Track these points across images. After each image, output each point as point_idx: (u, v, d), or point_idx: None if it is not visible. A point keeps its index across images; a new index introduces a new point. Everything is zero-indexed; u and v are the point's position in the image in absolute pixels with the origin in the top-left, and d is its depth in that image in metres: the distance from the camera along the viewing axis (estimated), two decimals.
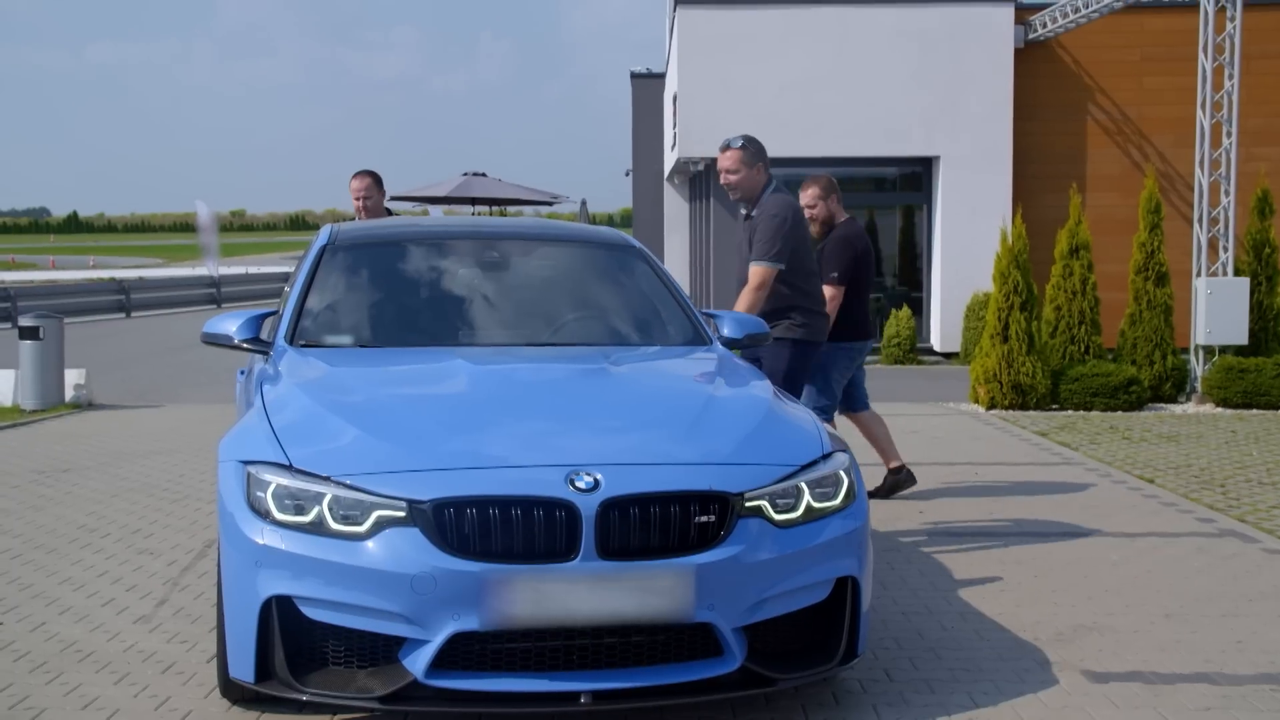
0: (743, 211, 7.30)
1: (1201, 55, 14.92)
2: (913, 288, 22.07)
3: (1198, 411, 13.85)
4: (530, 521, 4.21)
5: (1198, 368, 14.61)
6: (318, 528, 4.27)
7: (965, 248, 20.32)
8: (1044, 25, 20.31)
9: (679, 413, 4.84)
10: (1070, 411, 13.83)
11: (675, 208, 26.68)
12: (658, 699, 4.35)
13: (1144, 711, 4.69)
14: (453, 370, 5.22)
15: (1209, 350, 14.59)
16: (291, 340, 5.69)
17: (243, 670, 4.37)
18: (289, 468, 4.39)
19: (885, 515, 8.08)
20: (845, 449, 4.86)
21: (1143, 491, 9.07)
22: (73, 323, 28.06)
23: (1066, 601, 6.18)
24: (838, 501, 4.64)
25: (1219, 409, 14.03)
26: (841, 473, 4.70)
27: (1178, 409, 14.04)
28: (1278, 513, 8.32)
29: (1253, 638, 5.60)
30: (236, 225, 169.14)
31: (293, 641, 4.32)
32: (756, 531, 4.40)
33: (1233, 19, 14.77)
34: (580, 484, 4.26)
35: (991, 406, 14.04)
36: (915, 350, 20.32)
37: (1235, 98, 14.79)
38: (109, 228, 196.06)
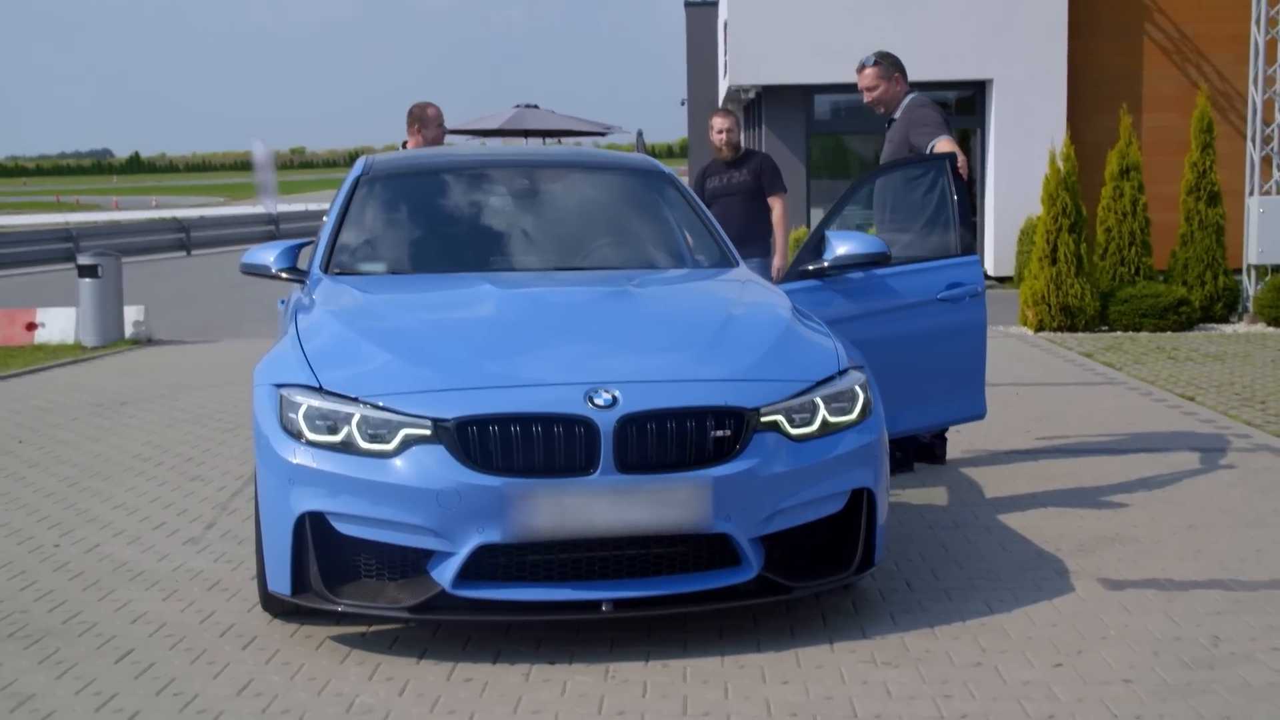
0: (886, 125, 7.58)
1: None
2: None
3: (1248, 331, 13.79)
4: (550, 437, 4.36)
5: (1249, 287, 14.52)
6: (348, 447, 4.45)
7: (1019, 171, 20.12)
8: None
9: (697, 332, 4.96)
10: (1119, 333, 13.81)
11: None
12: (676, 607, 4.51)
13: (1154, 616, 4.80)
14: (480, 295, 5.36)
15: (1261, 270, 14.49)
16: (326, 269, 5.85)
17: (280, 584, 4.57)
18: (320, 390, 4.57)
19: None
20: (862, 366, 4.96)
21: (1182, 409, 9.10)
22: (134, 261, 28.58)
23: (1092, 515, 6.28)
24: (853, 416, 4.75)
25: (1270, 328, 13.95)
26: (857, 388, 4.81)
27: (1228, 329, 13.98)
28: None
29: (1272, 546, 5.68)
30: (297, 163, 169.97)
31: (326, 555, 4.51)
32: (773, 445, 4.53)
33: None
34: (599, 401, 4.40)
35: (1040, 329, 14.04)
36: None
37: None
38: (171, 168, 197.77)
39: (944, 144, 7.02)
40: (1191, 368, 11.09)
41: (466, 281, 5.64)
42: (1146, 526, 6.05)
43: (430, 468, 4.36)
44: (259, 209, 45.17)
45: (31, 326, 15.31)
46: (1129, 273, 14.34)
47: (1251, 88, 14.79)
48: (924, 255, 6.81)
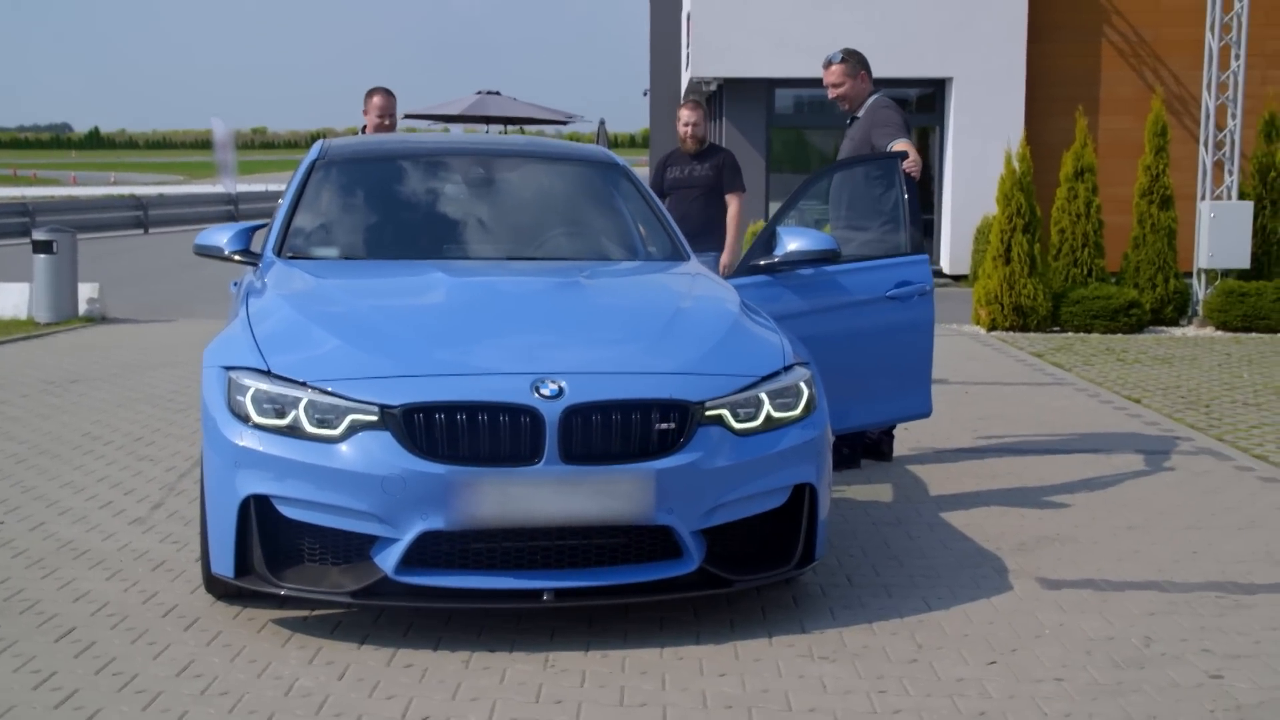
0: (847, 122, 7.67)
1: None
2: (924, 210, 22.09)
3: (1197, 335, 13.96)
4: (496, 426, 4.39)
5: (1199, 291, 14.68)
6: (294, 430, 4.46)
7: (977, 170, 20.26)
8: None
9: (646, 325, 5.00)
10: (1070, 334, 13.94)
11: None
12: (617, 597, 4.56)
13: (1089, 615, 4.87)
14: (431, 283, 5.38)
15: (1211, 274, 14.65)
16: (279, 252, 5.86)
17: (223, 566, 4.58)
18: (268, 373, 4.58)
19: None
20: (808, 363, 5.01)
21: (1128, 411, 9.21)
22: (91, 238, 28.38)
23: (1034, 514, 6.36)
24: (798, 412, 4.80)
25: (1218, 332, 14.13)
26: (802, 384, 4.86)
27: (1178, 332, 14.14)
28: (1257, 432, 8.47)
29: (1208, 548, 5.77)
30: (258, 143, 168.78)
31: (270, 539, 4.52)
32: (716, 439, 4.57)
33: None
34: (545, 391, 4.43)
35: (993, 328, 14.16)
36: None
37: (1245, 20, 14.74)
38: (130, 144, 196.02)
39: (899, 145, 7.09)
40: (1140, 370, 11.23)
41: (418, 269, 5.65)
42: (1086, 527, 6.13)
43: (376, 454, 4.38)
44: (218, 188, 44.83)
45: None
46: (1081, 274, 14.48)
47: (1205, 93, 14.96)
48: (875, 253, 6.87)
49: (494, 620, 4.71)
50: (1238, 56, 14.78)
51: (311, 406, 4.47)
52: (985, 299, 14.28)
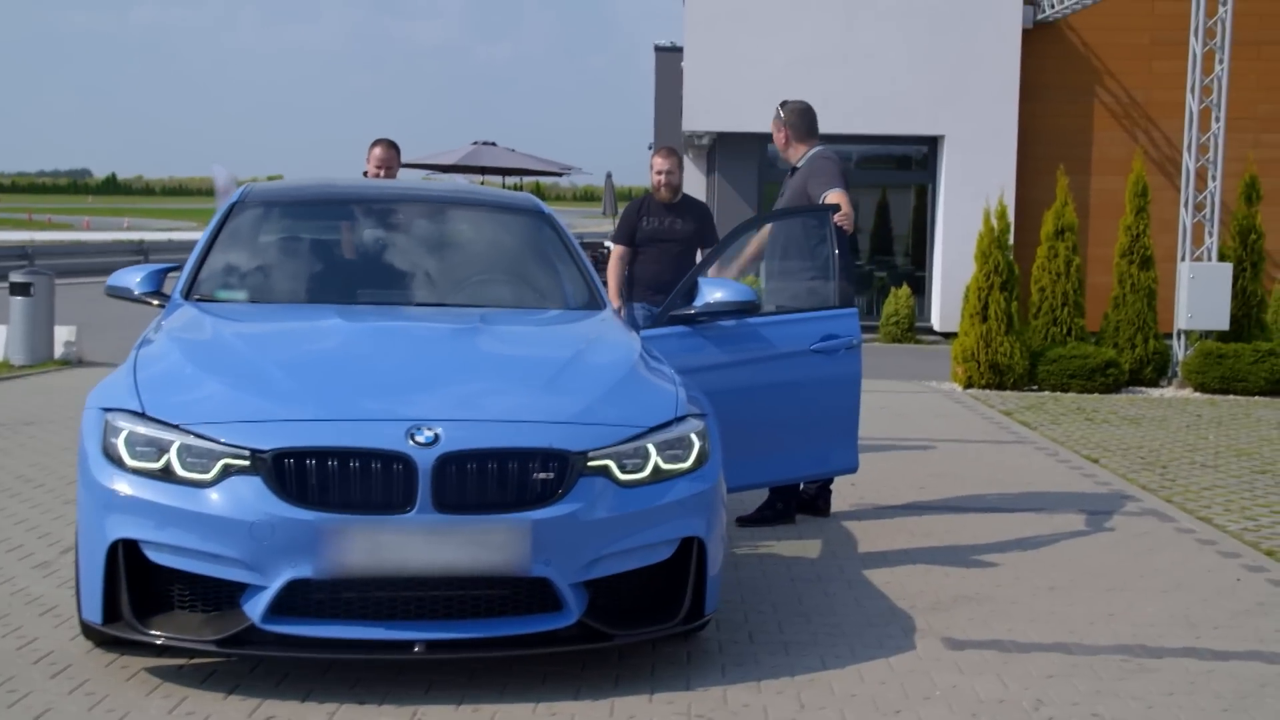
0: (789, 173, 7.70)
1: (1192, 39, 14.81)
2: (916, 267, 22.05)
3: (1174, 396, 13.83)
4: (368, 474, 4.30)
5: (1179, 352, 14.56)
6: (166, 474, 4.37)
7: (968, 228, 19.99)
8: (1052, 6, 20.18)
9: (535, 373, 4.91)
10: (1046, 393, 13.81)
11: (693, 180, 26.55)
12: (491, 650, 4.44)
13: (985, 677, 4.74)
14: (327, 328, 5.29)
15: (1191, 335, 14.53)
16: (187, 295, 5.80)
17: (92, 612, 4.48)
18: (143, 415, 4.49)
19: None
20: (703, 414, 4.90)
21: (1083, 470, 9.08)
22: (92, 282, 28.39)
23: (958, 573, 6.23)
24: (688, 464, 4.69)
25: (1196, 394, 13.99)
26: (693, 435, 4.75)
27: (1155, 393, 14.01)
28: (1208, 494, 8.33)
29: (1127, 611, 5.64)
30: None
31: (139, 585, 4.42)
32: (598, 490, 4.47)
33: (1225, 3, 14.63)
34: (420, 439, 4.34)
35: (969, 386, 14.03)
36: (914, 329, 20.30)
37: (1225, 83, 14.69)
38: (147, 190, 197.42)
39: (833, 196, 7.01)
40: (1106, 429, 11.09)
41: (320, 314, 5.57)
42: (1008, 586, 6.00)
43: (246, 499, 4.28)
44: None
45: None
46: (1061, 333, 14.37)
47: (1185, 154, 14.90)
48: (806, 305, 6.79)
49: (372, 672, 4.60)
50: (1218, 119, 14.71)
51: (185, 450, 4.37)
52: (962, 356, 14.17)
